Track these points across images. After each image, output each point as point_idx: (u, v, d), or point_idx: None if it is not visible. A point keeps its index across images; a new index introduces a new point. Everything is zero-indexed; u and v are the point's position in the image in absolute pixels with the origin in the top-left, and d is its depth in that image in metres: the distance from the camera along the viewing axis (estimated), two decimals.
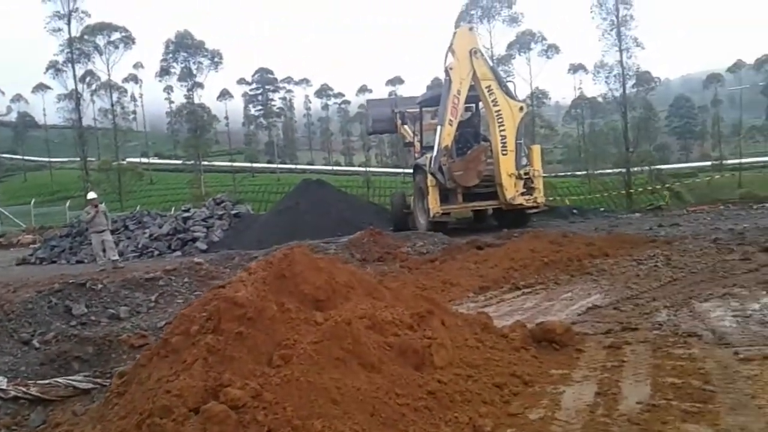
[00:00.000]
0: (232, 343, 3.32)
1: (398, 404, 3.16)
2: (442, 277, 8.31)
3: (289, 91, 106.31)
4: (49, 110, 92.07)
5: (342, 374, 3.25)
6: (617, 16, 44.59)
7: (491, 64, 17.51)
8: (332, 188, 23.25)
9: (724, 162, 70.46)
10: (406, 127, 20.54)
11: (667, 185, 47.51)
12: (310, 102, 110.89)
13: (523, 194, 16.16)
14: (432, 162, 15.76)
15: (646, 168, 48.46)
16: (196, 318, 3.58)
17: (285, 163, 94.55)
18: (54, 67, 59.87)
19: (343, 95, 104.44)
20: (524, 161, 16.35)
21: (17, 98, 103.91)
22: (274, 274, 3.95)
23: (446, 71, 16.31)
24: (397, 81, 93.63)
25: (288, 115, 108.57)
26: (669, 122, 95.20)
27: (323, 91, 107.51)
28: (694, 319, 5.07)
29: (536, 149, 17.27)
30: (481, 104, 17.67)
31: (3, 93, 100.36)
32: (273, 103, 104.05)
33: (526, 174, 16.22)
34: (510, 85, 17.20)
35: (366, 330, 3.63)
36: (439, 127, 16.03)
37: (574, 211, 21.88)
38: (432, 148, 18.22)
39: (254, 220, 21.04)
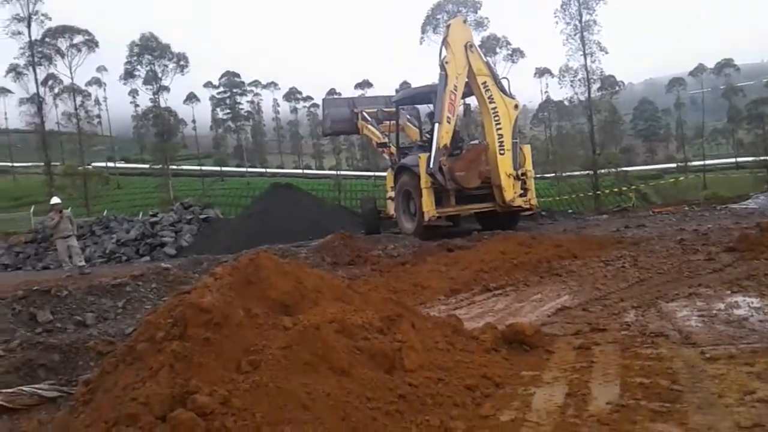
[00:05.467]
0: (198, 349, 3.25)
1: (369, 408, 3.13)
2: (413, 280, 8.28)
3: (257, 94, 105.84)
4: (10, 114, 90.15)
5: (312, 379, 3.22)
6: (581, 21, 45.52)
7: (486, 59, 16.98)
8: (302, 192, 23.20)
9: (688, 164, 72.17)
10: (371, 127, 19.89)
11: (634, 186, 48.48)
12: (279, 105, 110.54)
13: (521, 195, 15.75)
14: (431, 162, 14.99)
15: (613, 170, 49.41)
16: (161, 324, 3.50)
17: (254, 167, 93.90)
18: (14, 71, 58.59)
19: (312, 98, 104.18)
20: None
21: None
22: (240, 279, 3.90)
23: (441, 65, 15.58)
24: (365, 84, 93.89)
25: (256, 119, 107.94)
26: (634, 125, 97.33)
27: (292, 95, 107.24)
28: (661, 319, 5.14)
29: (527, 149, 16.76)
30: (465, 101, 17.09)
31: None
32: (241, 106, 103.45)
33: (522, 174, 15.84)
34: (504, 82, 16.57)
35: (335, 334, 3.59)
36: (436, 125, 15.29)
37: (543, 212, 22.07)
38: (411, 148, 18.13)
39: (224, 224, 20.88)
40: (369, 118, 19.99)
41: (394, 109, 19.08)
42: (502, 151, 15.64)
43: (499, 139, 15.67)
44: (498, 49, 64.50)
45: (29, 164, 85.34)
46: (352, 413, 3.05)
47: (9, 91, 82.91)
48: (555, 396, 3.45)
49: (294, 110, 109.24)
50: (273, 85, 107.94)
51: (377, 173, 66.53)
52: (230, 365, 3.28)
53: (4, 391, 4.36)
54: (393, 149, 18.72)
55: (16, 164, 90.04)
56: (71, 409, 3.61)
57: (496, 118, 15.74)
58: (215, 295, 3.65)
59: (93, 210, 49.84)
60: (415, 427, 3.07)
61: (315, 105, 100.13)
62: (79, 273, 13.66)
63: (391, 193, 18.00)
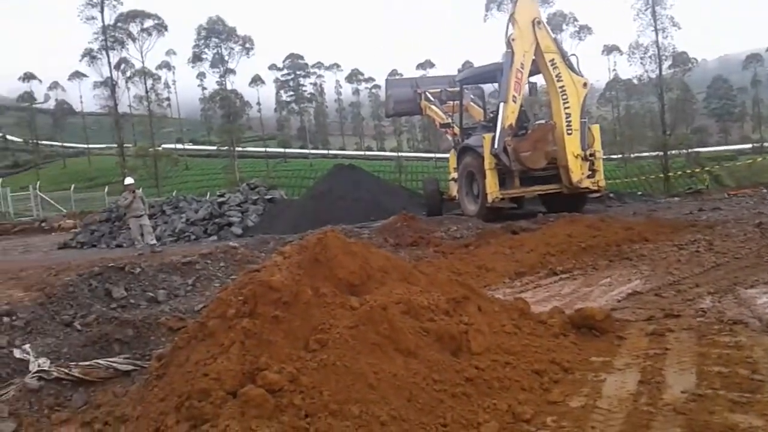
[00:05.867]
0: (268, 327, 3.31)
1: (435, 390, 3.12)
2: (476, 262, 8.20)
3: (319, 76, 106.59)
4: (85, 97, 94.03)
5: (378, 359, 3.23)
6: None
7: (553, 35, 16.42)
8: (365, 173, 23.19)
9: (765, 144, 68.51)
10: (434, 107, 19.56)
11: (707, 168, 46.39)
12: (341, 87, 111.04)
13: (588, 177, 15.23)
14: (495, 142, 14.69)
15: (684, 151, 47.41)
16: (232, 301, 3.58)
17: (317, 149, 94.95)
18: (89, 55, 60.99)
19: (374, 80, 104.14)
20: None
21: (54, 86, 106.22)
22: (308, 258, 3.92)
23: (507, 42, 15.13)
24: (427, 64, 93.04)
25: (319, 101, 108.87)
26: (707, 104, 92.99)
27: (354, 76, 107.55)
28: (739, 306, 4.91)
29: (596, 129, 16.16)
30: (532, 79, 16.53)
31: (40, 81, 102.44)
32: (304, 88, 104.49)
33: (591, 155, 15.33)
34: (572, 59, 15.95)
35: (402, 315, 3.59)
36: (501, 104, 14.96)
37: (611, 195, 21.37)
38: (475, 128, 17.86)
39: (288, 205, 21.16)
40: (432, 99, 19.74)
41: (457, 89, 18.78)
42: (569, 131, 15.17)
43: (566, 118, 15.21)
44: (564, 26, 62.74)
45: (103, 146, 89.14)
46: (418, 394, 3.05)
47: (84, 75, 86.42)
48: (627, 383, 3.35)
49: (356, 91, 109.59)
50: (335, 66, 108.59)
51: (438, 155, 66.11)
52: (298, 343, 3.33)
53: (81, 363, 4.57)
54: (456, 130, 18.43)
55: (91, 146, 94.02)
56: (145, 382, 3.75)
57: (564, 97, 15.28)
58: (284, 274, 3.70)
59: (163, 190, 51.62)
60: (482, 410, 3.04)
61: (377, 86, 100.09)
62: (151, 251, 14.13)
63: (454, 175, 17.81)
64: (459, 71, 24.98)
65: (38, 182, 46.49)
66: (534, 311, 4.66)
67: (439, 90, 19.69)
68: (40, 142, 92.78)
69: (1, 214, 37.74)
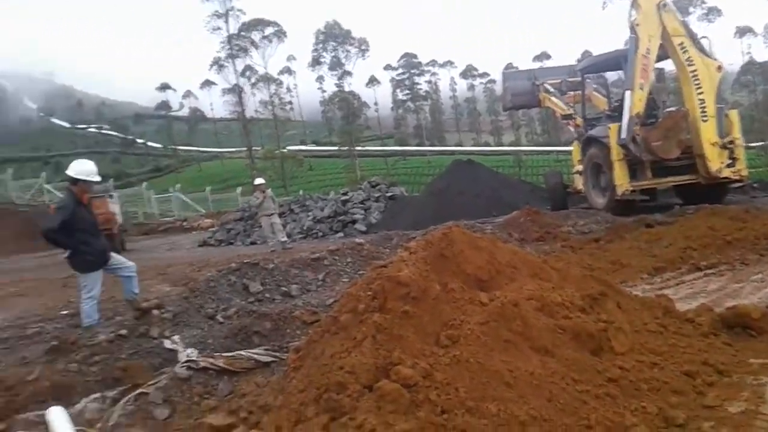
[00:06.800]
0: (398, 321, 3.30)
1: (577, 391, 2.97)
2: (609, 258, 7.80)
3: (434, 74, 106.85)
4: (215, 104, 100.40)
5: (512, 357, 3.13)
6: None
7: (681, 17, 15.43)
8: (484, 168, 22.87)
9: None
10: (555, 99, 18.85)
11: None
12: (456, 83, 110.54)
13: (728, 166, 14.11)
14: (622, 132, 13.98)
15: None
16: (361, 297, 3.61)
17: (434, 146, 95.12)
18: (217, 64, 65.10)
19: (489, 75, 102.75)
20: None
21: (187, 94, 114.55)
22: (434, 253, 3.88)
23: (631, 28, 14.40)
24: (543, 56, 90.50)
25: (434, 98, 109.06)
26: None
27: (468, 72, 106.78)
28: None
29: (734, 115, 14.92)
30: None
31: (175, 90, 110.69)
32: (419, 86, 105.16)
33: (730, 143, 14.20)
34: (704, 42, 14.80)
35: (535, 312, 3.46)
36: (627, 93, 14.19)
37: (755, 185, 19.60)
38: (599, 118, 17.12)
39: (408, 201, 21.32)
40: (552, 90, 19.12)
41: (578, 79, 18.04)
42: (704, 118, 14.09)
43: (700, 104, 14.14)
44: (692, 9, 58.60)
45: (233, 149, 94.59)
46: (558, 394, 2.92)
47: (213, 83, 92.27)
48: None
49: (471, 87, 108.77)
50: (449, 63, 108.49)
51: (559, 148, 64.01)
52: (429, 339, 3.30)
53: (225, 354, 4.84)
54: (579, 121, 17.71)
55: (222, 150, 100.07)
56: (284, 373, 3.88)
57: (697, 82, 14.22)
58: (411, 269, 3.68)
59: (289, 190, 53.90)
60: (629, 413, 2.86)
61: (492, 81, 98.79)
62: (282, 248, 14.75)
63: (579, 167, 17.11)
64: (578, 61, 23.97)
65: (177, 185, 50.13)
66: (679, 309, 4.35)
67: (558, 81, 19.04)
68: (177, 147, 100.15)
69: (147, 215, 41.10)
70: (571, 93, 18.64)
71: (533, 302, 3.59)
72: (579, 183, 17.06)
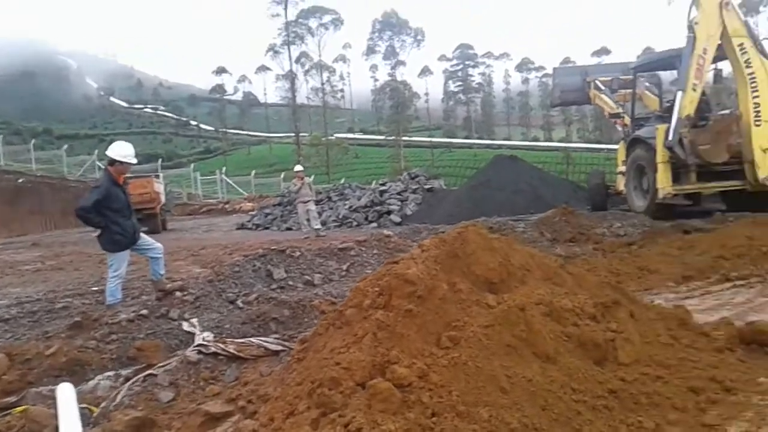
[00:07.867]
0: (401, 320, 3.28)
1: (574, 400, 2.91)
2: (639, 263, 7.58)
3: (488, 66, 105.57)
4: (269, 89, 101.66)
5: (513, 362, 3.09)
6: None
7: (743, 18, 14.81)
8: (526, 164, 22.51)
9: None
10: (604, 96, 18.31)
11: None
12: (510, 76, 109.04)
13: None
14: (670, 134, 13.53)
15: None
16: (368, 292, 3.61)
17: (482, 139, 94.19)
18: (273, 50, 65.91)
19: (544, 68, 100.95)
20: None
21: (242, 79, 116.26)
22: (446, 252, 3.84)
23: (689, 27, 13.90)
24: (603, 51, 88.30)
25: (487, 90, 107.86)
26: None
27: (524, 65, 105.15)
28: None
29: None
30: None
31: (231, 74, 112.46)
32: (472, 78, 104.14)
33: None
34: (765, 44, 14.15)
35: (542, 317, 3.40)
36: (679, 93, 13.75)
37: None
38: (648, 118, 16.64)
39: (446, 195, 21.18)
40: (602, 87, 18.62)
41: (630, 78, 17.52)
42: (758, 122, 13.47)
43: (755, 108, 13.51)
44: (762, 8, 56.13)
45: (282, 134, 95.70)
46: (554, 403, 2.86)
47: (268, 69, 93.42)
48: None
49: (525, 81, 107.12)
50: (505, 55, 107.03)
51: (610, 146, 62.43)
52: (430, 339, 3.28)
53: (236, 340, 4.90)
54: (626, 120, 17.22)
55: (271, 134, 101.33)
56: (287, 365, 3.91)
57: (753, 85, 13.59)
58: (420, 267, 3.65)
59: (333, 177, 54.27)
60: (624, 426, 2.79)
61: (547, 75, 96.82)
62: (316, 235, 14.90)
63: (622, 168, 16.64)
64: (637, 58, 23.27)
65: (224, 167, 51.03)
66: (697, 321, 4.19)
67: (610, 78, 18.52)
68: (228, 130, 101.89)
69: (192, 196, 42.01)
70: (622, 91, 18.15)
71: (541, 307, 3.53)
72: (621, 184, 16.63)
